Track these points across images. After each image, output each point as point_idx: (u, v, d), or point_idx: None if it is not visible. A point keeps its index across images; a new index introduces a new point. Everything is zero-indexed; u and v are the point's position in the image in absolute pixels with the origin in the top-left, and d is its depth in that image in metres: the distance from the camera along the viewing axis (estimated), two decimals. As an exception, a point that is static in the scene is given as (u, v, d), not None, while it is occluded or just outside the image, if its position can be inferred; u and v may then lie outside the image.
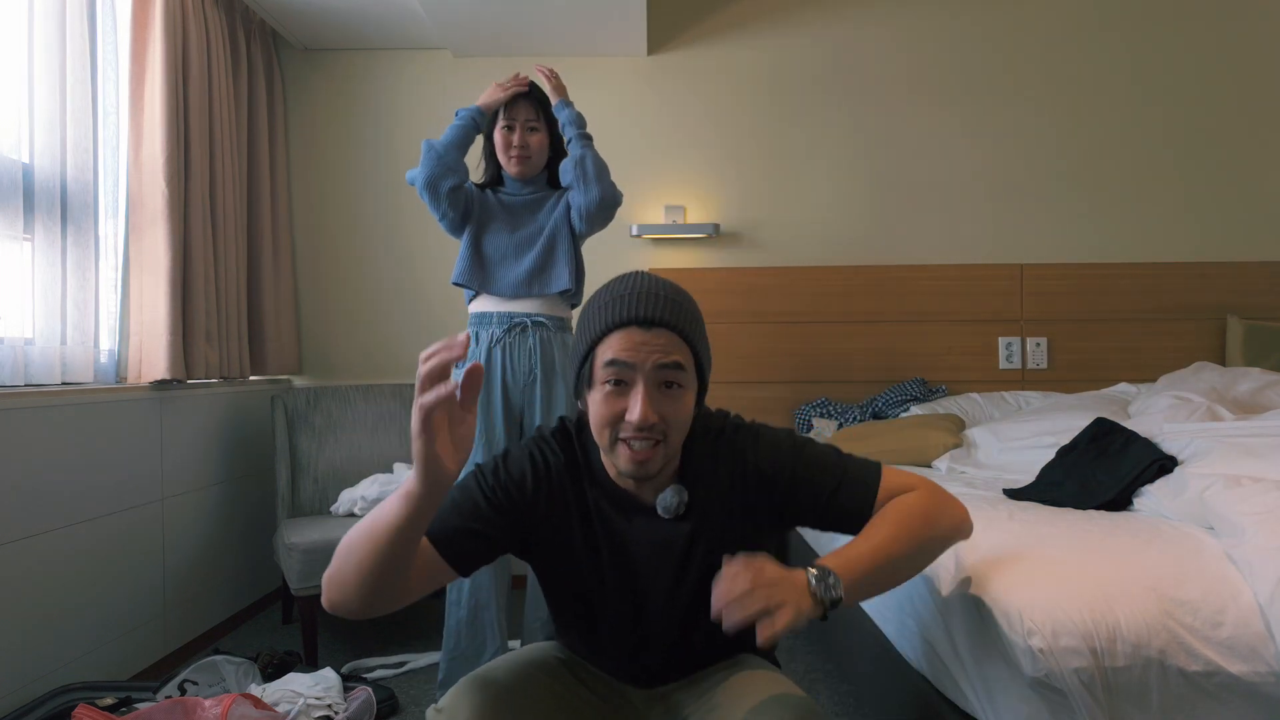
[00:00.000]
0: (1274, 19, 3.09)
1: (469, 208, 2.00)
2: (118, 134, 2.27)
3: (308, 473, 2.64)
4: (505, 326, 1.96)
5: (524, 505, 1.09)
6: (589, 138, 1.97)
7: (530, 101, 1.99)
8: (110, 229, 2.25)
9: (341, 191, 3.14)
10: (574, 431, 1.15)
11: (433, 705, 1.04)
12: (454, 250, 3.11)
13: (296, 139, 3.14)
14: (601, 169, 1.94)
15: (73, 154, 2.03)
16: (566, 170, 1.95)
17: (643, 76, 3.12)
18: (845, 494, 1.07)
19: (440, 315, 3.11)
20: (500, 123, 1.99)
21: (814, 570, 0.94)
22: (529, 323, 1.96)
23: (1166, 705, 0.98)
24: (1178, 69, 3.09)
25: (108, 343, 2.23)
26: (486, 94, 1.99)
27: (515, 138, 1.98)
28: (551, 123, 2.03)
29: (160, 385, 2.27)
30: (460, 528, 1.04)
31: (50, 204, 1.96)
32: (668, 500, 1.06)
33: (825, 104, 3.10)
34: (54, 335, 1.97)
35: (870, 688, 1.67)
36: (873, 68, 3.11)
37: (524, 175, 2.01)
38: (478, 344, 1.98)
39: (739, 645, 1.22)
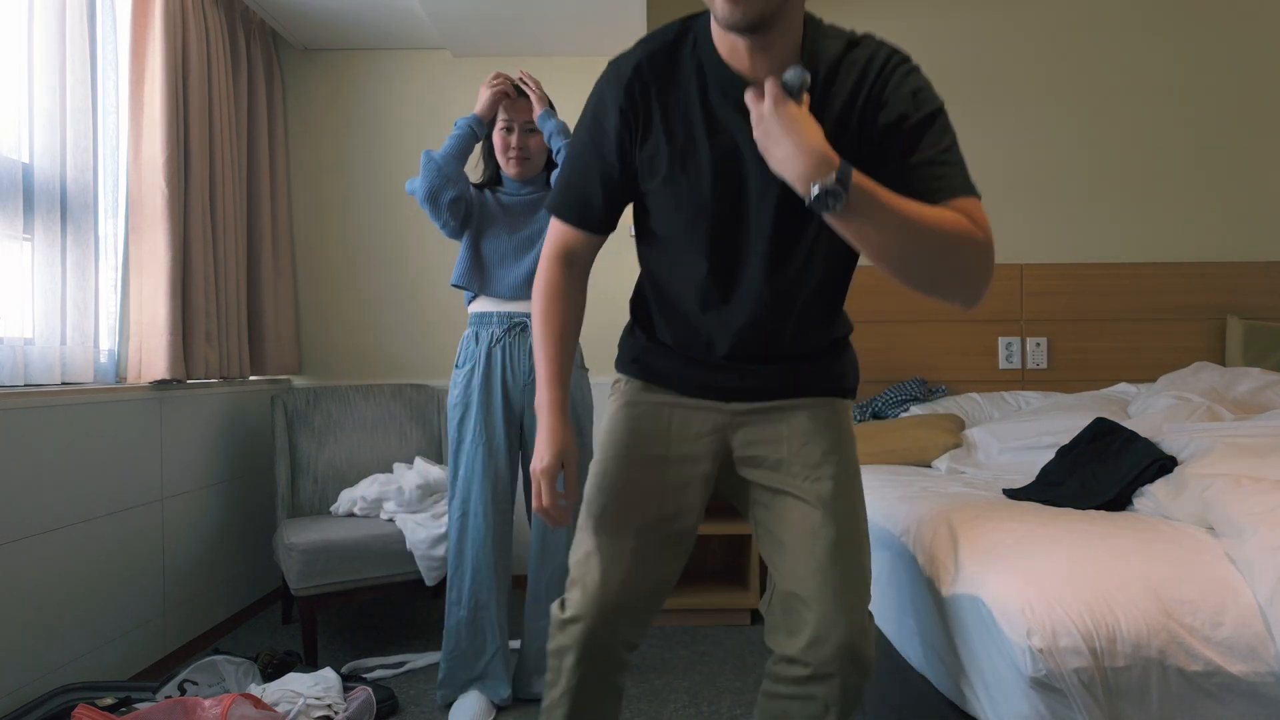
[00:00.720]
0: (1273, 20, 3.09)
1: (469, 210, 2.01)
2: (118, 134, 2.27)
3: (307, 473, 2.64)
4: (505, 327, 1.96)
5: (630, 135, 1.08)
6: None
7: (530, 103, 2.00)
8: (110, 229, 2.25)
9: (341, 191, 3.15)
10: (679, 26, 1.08)
11: (557, 601, 1.16)
12: (453, 250, 3.12)
13: (296, 139, 3.14)
14: None
15: (73, 154, 2.03)
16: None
17: (643, 76, 3.11)
18: (938, 173, 0.98)
19: (440, 315, 3.12)
20: (499, 124, 1.99)
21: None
22: (528, 323, 1.96)
23: (1166, 705, 0.98)
24: (1178, 69, 3.09)
25: (107, 343, 2.23)
26: (481, 101, 1.99)
27: (514, 139, 1.98)
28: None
29: (160, 385, 2.27)
30: (604, 205, 1.14)
31: (50, 204, 1.96)
32: (792, 78, 0.90)
33: (825, 104, 3.10)
34: (54, 335, 1.97)
35: (870, 688, 1.67)
36: (873, 68, 3.10)
37: (522, 176, 2.02)
38: (477, 344, 1.98)
39: (828, 373, 1.21)
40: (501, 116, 1.98)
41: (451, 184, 1.93)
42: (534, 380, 1.94)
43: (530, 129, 1.99)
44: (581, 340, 1.96)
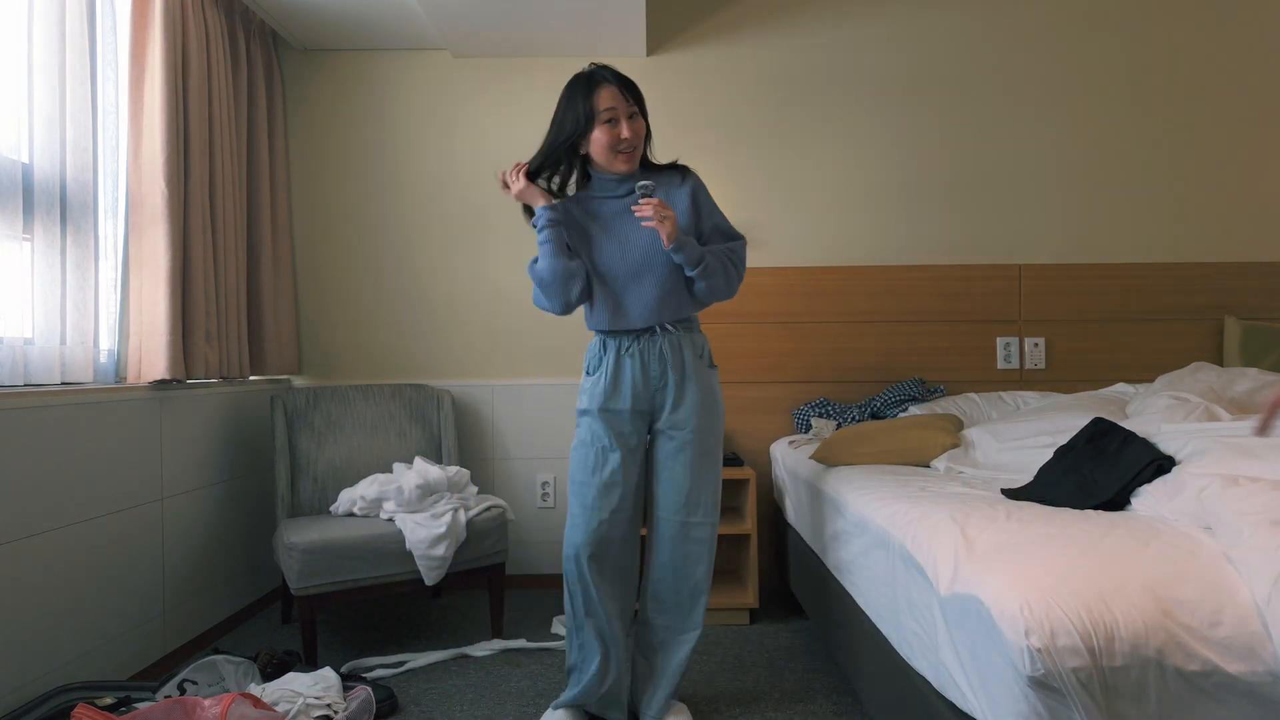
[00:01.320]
0: (1271, 19, 3.10)
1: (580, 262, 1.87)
2: (117, 134, 2.28)
3: (307, 473, 2.65)
4: (634, 336, 1.86)
5: None
6: (709, 258, 1.82)
7: (620, 88, 1.77)
8: (110, 229, 2.25)
9: (341, 191, 3.15)
10: None
11: None
12: (453, 250, 3.12)
13: (296, 139, 3.15)
14: (735, 279, 1.87)
15: (72, 154, 2.03)
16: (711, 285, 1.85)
17: (642, 77, 3.11)
18: None
19: (439, 315, 3.12)
20: (602, 117, 1.76)
21: None
22: (657, 328, 1.86)
23: (1164, 705, 0.98)
24: (1175, 69, 3.09)
25: (107, 343, 2.23)
26: (530, 196, 1.82)
27: (624, 129, 1.77)
28: (642, 103, 1.84)
29: (160, 385, 2.27)
30: None
31: (50, 204, 1.96)
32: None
33: (824, 104, 3.11)
34: (54, 335, 1.97)
35: (870, 688, 1.68)
36: (871, 68, 3.11)
37: (634, 169, 1.85)
38: (605, 351, 1.87)
39: None
40: (604, 108, 1.75)
41: (574, 280, 1.81)
42: (666, 383, 1.84)
43: (631, 114, 1.78)
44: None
